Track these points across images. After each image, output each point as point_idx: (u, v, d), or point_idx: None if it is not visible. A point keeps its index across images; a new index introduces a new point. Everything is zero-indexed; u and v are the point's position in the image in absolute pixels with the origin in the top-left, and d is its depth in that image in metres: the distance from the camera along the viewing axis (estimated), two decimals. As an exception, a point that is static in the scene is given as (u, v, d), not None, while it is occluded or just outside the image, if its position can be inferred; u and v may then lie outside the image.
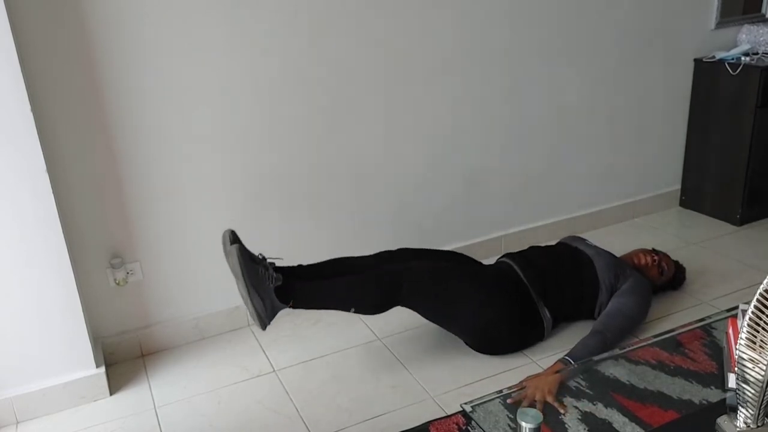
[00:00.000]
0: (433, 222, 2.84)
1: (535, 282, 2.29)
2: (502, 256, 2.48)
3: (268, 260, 2.03)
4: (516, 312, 2.24)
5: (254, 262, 1.97)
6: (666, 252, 2.65)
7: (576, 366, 2.07)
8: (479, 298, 2.20)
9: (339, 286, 2.08)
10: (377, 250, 2.73)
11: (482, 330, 2.25)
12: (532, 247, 2.55)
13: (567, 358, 2.11)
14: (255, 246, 2.50)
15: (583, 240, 2.58)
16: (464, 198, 2.89)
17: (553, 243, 2.62)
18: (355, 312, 2.11)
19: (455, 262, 2.38)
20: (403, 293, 2.11)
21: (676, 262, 2.63)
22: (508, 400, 1.92)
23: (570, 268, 2.37)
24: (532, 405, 1.86)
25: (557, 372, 1.99)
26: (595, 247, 2.50)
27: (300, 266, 2.23)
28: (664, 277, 2.53)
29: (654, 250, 2.59)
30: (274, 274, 1.97)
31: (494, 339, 2.26)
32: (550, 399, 1.89)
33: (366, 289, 2.09)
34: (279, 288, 1.96)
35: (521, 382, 2.01)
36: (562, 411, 1.85)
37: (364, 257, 2.31)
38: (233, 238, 1.98)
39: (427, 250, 2.39)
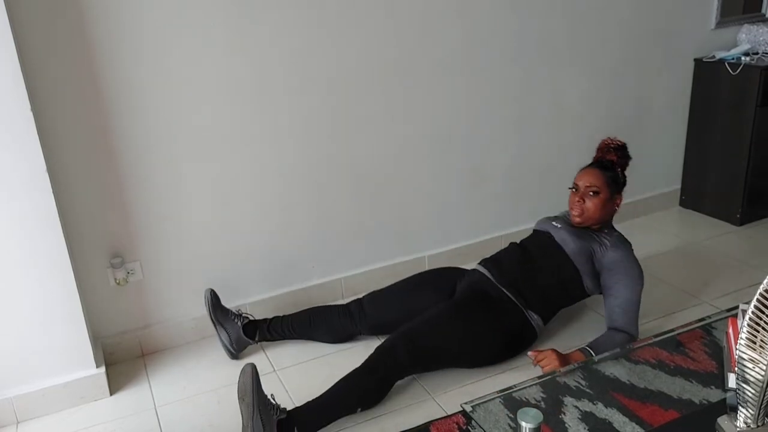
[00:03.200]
0: (434, 221, 2.84)
1: (512, 289, 2.23)
2: (478, 263, 2.40)
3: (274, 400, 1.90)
4: (504, 329, 2.19)
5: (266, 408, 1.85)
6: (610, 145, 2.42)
7: (596, 359, 2.11)
8: (467, 338, 2.15)
9: (337, 402, 1.98)
10: (376, 251, 2.76)
11: (479, 359, 2.22)
12: (505, 250, 2.42)
13: (588, 349, 2.13)
14: (256, 248, 2.52)
15: (551, 221, 2.39)
16: (465, 197, 2.89)
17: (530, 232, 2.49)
18: (361, 410, 2.02)
19: (430, 291, 2.33)
20: (393, 381, 2.07)
21: (609, 147, 2.39)
22: (530, 353, 2.06)
23: (544, 263, 2.28)
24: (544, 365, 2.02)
25: (576, 357, 2.09)
26: (563, 227, 2.32)
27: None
28: (602, 197, 2.25)
29: (575, 186, 2.30)
30: (280, 411, 1.85)
31: (490, 358, 2.23)
32: (563, 370, 1.99)
33: (364, 394, 2.02)
34: (281, 420, 1.85)
35: (538, 351, 2.08)
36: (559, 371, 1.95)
37: (337, 317, 2.38)
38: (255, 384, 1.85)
39: (396, 290, 2.39)
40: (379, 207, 2.71)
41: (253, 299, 2.55)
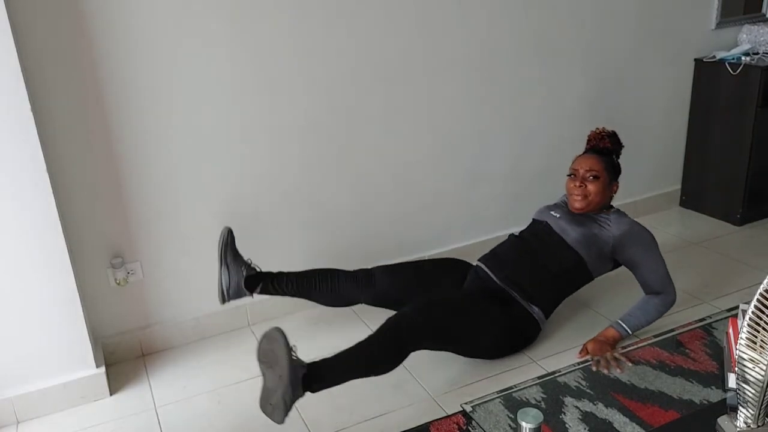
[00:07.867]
0: (434, 221, 2.84)
1: (511, 283, 2.22)
2: (478, 258, 2.39)
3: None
4: (507, 324, 2.18)
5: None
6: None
7: (629, 331, 2.24)
8: (474, 327, 2.14)
9: (353, 362, 1.94)
10: (376, 251, 2.76)
11: (484, 351, 2.23)
12: (503, 243, 2.40)
13: (620, 322, 2.23)
14: (255, 249, 2.52)
15: (549, 210, 2.39)
16: (465, 198, 2.89)
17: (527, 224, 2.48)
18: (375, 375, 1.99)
19: (442, 277, 2.33)
20: (409, 347, 2.01)
21: (602, 134, 2.34)
22: (593, 368, 2.15)
23: (545, 254, 2.25)
24: (602, 364, 2.15)
25: (611, 335, 2.23)
26: (562, 216, 2.32)
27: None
28: (603, 182, 2.27)
29: (573, 173, 2.32)
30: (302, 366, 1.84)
31: (495, 352, 2.24)
32: (617, 355, 2.16)
33: (379, 356, 1.98)
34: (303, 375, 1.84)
35: (581, 352, 2.23)
36: (630, 364, 2.14)
37: (346, 277, 2.34)
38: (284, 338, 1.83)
39: (409, 267, 2.38)
40: (379, 207, 2.71)
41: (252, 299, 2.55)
